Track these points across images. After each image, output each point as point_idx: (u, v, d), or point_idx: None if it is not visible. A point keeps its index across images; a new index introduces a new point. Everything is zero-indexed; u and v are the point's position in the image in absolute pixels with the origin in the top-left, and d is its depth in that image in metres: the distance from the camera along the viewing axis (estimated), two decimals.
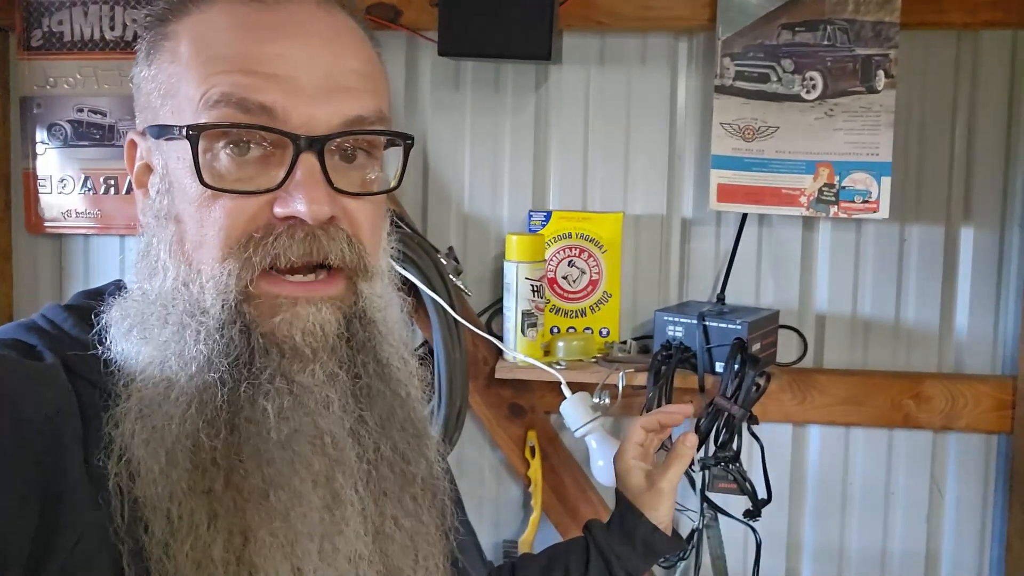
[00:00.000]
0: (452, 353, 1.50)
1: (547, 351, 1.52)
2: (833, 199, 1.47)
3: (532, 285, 1.46)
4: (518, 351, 1.47)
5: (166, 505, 0.58)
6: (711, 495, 1.43)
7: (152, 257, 0.65)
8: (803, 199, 1.48)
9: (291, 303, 0.62)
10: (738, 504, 1.41)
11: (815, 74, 1.47)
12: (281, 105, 0.61)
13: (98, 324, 0.65)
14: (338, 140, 0.63)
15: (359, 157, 0.66)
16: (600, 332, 1.56)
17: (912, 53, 1.50)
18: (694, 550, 1.48)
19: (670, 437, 1.38)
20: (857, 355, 1.57)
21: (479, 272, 1.62)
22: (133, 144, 0.69)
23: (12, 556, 0.54)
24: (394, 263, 1.55)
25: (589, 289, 1.56)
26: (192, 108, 0.62)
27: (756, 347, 1.42)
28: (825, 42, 1.46)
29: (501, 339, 1.50)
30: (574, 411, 1.42)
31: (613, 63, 1.58)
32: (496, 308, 1.58)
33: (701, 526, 1.46)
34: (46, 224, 1.67)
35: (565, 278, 1.57)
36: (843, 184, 1.46)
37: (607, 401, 1.43)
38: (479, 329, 1.52)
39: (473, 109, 1.61)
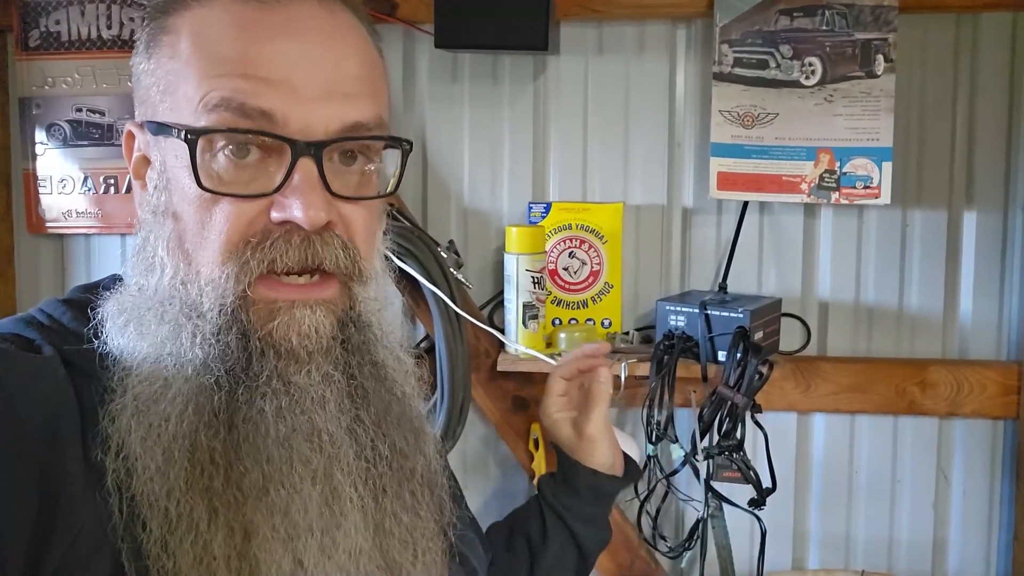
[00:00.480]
0: (454, 346, 1.50)
1: (549, 343, 1.51)
2: (834, 185, 1.46)
3: (533, 277, 1.46)
4: (520, 343, 1.47)
5: (163, 503, 0.58)
6: (715, 485, 1.43)
7: (149, 253, 0.65)
8: (804, 186, 1.47)
9: (288, 306, 0.62)
10: (743, 494, 1.40)
11: (814, 59, 1.46)
12: (280, 109, 0.61)
13: (95, 318, 0.66)
14: (336, 144, 0.64)
15: (358, 159, 0.67)
16: (602, 323, 1.56)
17: (911, 37, 1.49)
18: (699, 540, 1.47)
19: (672, 423, 1.38)
20: (861, 342, 1.56)
21: (480, 265, 1.61)
22: (131, 135, 0.69)
23: (11, 552, 0.54)
24: (394, 258, 1.56)
25: (590, 280, 1.56)
26: (191, 109, 0.62)
27: (758, 335, 1.41)
28: (824, 27, 1.45)
29: (503, 332, 1.50)
30: None
31: (611, 52, 1.57)
32: (497, 301, 1.58)
33: (706, 516, 1.46)
34: (47, 224, 1.67)
35: (566, 269, 1.56)
36: (844, 170, 1.46)
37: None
38: (480, 322, 1.52)
39: (471, 101, 1.60)
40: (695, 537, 1.48)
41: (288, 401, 0.62)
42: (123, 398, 0.61)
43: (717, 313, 1.41)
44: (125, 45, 1.63)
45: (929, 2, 1.46)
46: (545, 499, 1.03)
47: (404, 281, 1.51)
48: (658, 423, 1.44)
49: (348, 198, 0.64)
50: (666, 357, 1.43)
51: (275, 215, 0.62)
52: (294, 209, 0.61)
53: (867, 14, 1.43)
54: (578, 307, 1.56)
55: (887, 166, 1.44)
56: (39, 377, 0.60)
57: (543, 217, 1.55)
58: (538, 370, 1.46)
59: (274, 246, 0.61)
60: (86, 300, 0.68)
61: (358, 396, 0.66)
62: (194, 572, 0.58)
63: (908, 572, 1.57)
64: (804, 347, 1.56)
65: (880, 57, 1.43)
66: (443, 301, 1.48)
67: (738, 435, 1.37)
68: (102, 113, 1.64)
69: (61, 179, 1.66)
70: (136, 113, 0.69)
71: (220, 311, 0.61)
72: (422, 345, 1.60)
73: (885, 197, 1.44)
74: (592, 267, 1.55)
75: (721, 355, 1.40)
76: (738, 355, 1.36)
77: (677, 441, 1.44)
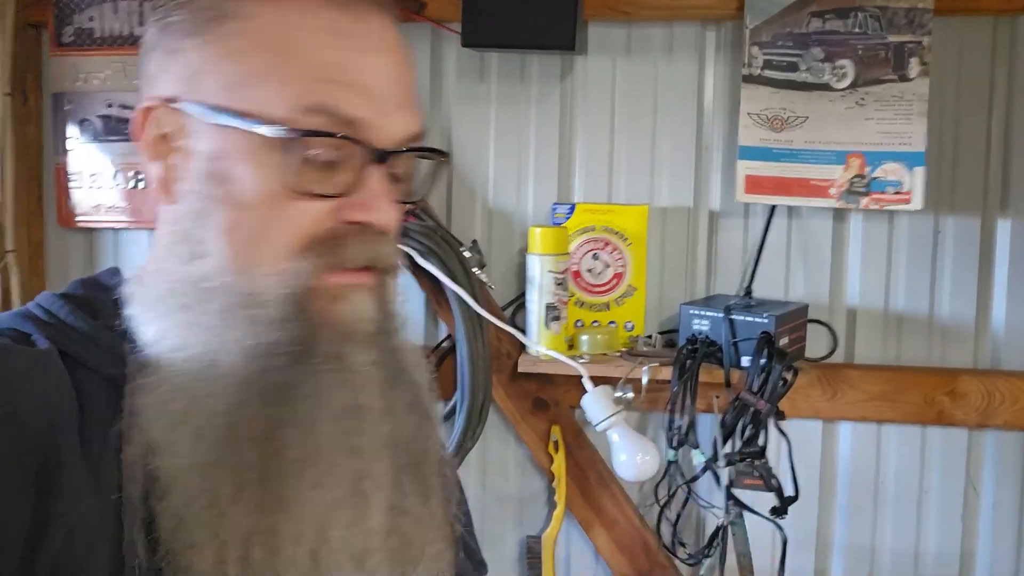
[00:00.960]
0: (475, 346, 1.49)
1: (571, 345, 1.50)
2: (864, 190, 1.44)
3: (555, 278, 1.45)
4: (541, 344, 1.46)
5: (186, 479, 0.59)
6: (736, 491, 1.41)
7: (195, 240, 0.64)
8: (833, 190, 1.45)
9: (348, 292, 0.65)
10: (765, 501, 1.38)
11: (845, 62, 1.43)
12: (367, 118, 0.63)
13: (116, 307, 0.66)
14: (404, 154, 0.67)
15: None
16: (625, 326, 1.55)
17: (946, 40, 1.46)
18: (719, 547, 1.45)
19: (693, 428, 1.37)
20: (890, 350, 1.54)
21: (504, 265, 1.61)
22: (148, 111, 0.66)
23: (7, 544, 0.54)
24: (417, 257, 1.56)
25: (614, 282, 1.54)
26: (282, 107, 0.62)
27: (784, 341, 1.39)
28: (856, 29, 1.43)
29: (524, 332, 1.49)
30: (595, 405, 1.41)
31: (639, 53, 1.56)
32: (520, 302, 1.57)
33: (726, 523, 1.44)
34: (77, 218, 1.69)
35: (589, 271, 1.55)
36: (874, 175, 1.43)
37: (630, 395, 1.42)
38: (502, 322, 1.51)
39: (498, 100, 1.60)
40: (715, 544, 1.47)
41: (342, 380, 0.64)
42: (153, 384, 0.62)
43: (742, 318, 1.40)
44: None
45: (965, 4, 1.43)
46: None
47: (427, 280, 1.51)
48: (680, 428, 1.42)
49: (399, 202, 0.68)
50: (689, 362, 1.41)
51: (348, 215, 0.64)
52: (372, 212, 0.64)
53: (901, 16, 1.41)
54: (601, 309, 1.55)
55: (919, 171, 1.41)
56: (36, 370, 0.60)
57: (567, 218, 1.54)
58: (559, 372, 1.46)
59: (345, 246, 0.64)
60: (84, 294, 0.68)
61: (389, 380, 0.68)
62: (211, 545, 0.58)
63: None
64: (831, 354, 1.54)
65: (914, 60, 1.41)
66: (465, 301, 1.47)
67: (760, 442, 1.36)
68: (132, 109, 1.66)
69: (92, 174, 1.68)
70: (160, 86, 0.66)
71: (286, 299, 0.63)
72: (444, 345, 1.60)
73: (916, 202, 1.41)
74: (616, 269, 1.54)
75: (745, 361, 1.39)
76: (762, 361, 1.34)
77: (698, 447, 1.43)
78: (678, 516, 1.55)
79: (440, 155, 0.72)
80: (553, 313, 1.46)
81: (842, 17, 1.43)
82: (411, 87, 0.68)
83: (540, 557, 1.59)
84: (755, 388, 1.34)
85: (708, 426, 1.48)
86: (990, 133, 1.48)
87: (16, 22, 1.65)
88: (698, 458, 1.43)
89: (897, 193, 1.42)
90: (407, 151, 0.67)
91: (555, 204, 1.56)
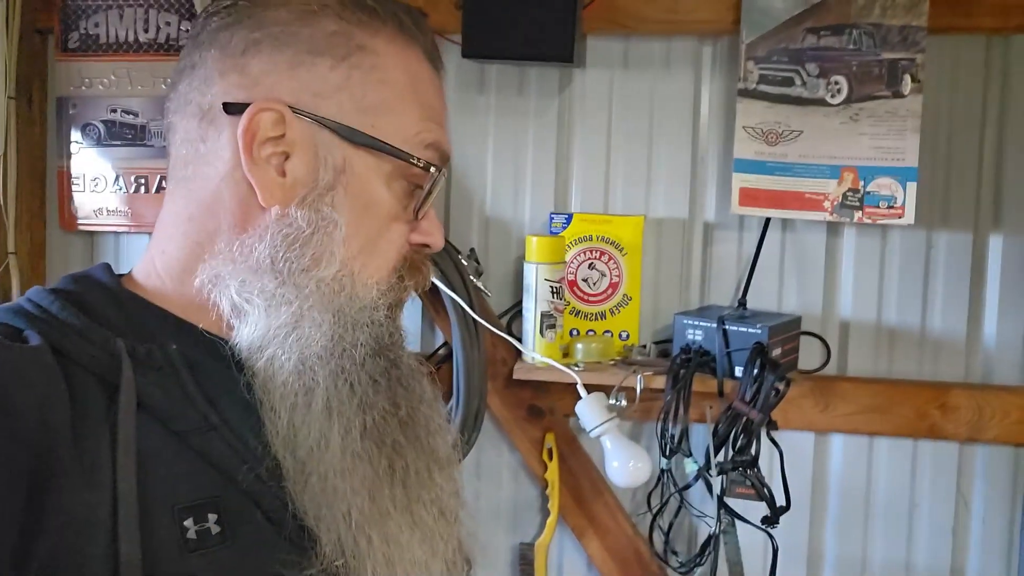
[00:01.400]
0: (471, 353, 1.51)
1: (566, 353, 1.51)
2: (858, 204, 1.45)
3: (551, 286, 1.47)
4: (537, 352, 1.47)
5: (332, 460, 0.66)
6: (729, 500, 1.42)
7: (317, 246, 0.68)
8: (827, 204, 1.46)
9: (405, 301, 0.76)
10: (757, 511, 1.39)
11: (840, 78, 1.45)
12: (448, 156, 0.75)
13: (109, 303, 0.68)
14: None
15: None
16: (620, 335, 1.56)
17: (940, 58, 1.48)
18: (711, 556, 1.46)
19: (686, 437, 1.38)
20: (882, 363, 1.55)
21: (500, 274, 1.62)
22: (261, 111, 0.67)
23: (1, 540, 0.54)
24: None
25: (609, 292, 1.56)
26: (406, 141, 0.71)
27: (776, 352, 1.41)
28: (851, 46, 1.45)
29: (520, 340, 1.51)
30: (589, 411, 1.42)
31: (637, 67, 1.58)
32: (517, 310, 1.59)
33: (718, 532, 1.45)
34: (79, 222, 1.71)
35: (585, 280, 1.56)
36: (868, 189, 1.45)
37: (624, 403, 1.43)
38: (498, 330, 1.52)
39: (497, 111, 1.62)
40: (707, 553, 1.47)
41: (406, 371, 0.73)
42: (271, 371, 0.67)
43: (735, 328, 1.41)
44: (161, 49, 1.67)
45: (959, 23, 1.45)
46: None
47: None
48: (672, 437, 1.43)
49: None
50: (682, 371, 1.42)
51: (416, 238, 0.74)
52: (433, 235, 0.75)
53: (895, 34, 1.43)
54: (596, 318, 1.57)
55: (912, 186, 1.43)
56: (27, 365, 0.59)
57: (564, 228, 1.55)
58: (554, 380, 1.47)
59: (424, 266, 0.75)
60: (76, 290, 0.68)
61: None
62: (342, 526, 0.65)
63: None
64: (823, 366, 1.55)
65: (907, 77, 1.43)
66: (462, 308, 1.49)
67: (752, 451, 1.36)
68: (135, 114, 1.68)
69: (94, 178, 1.70)
70: (286, 96, 0.68)
71: (384, 307, 0.71)
72: (440, 351, 1.61)
73: (909, 217, 1.43)
74: (611, 279, 1.55)
75: (738, 371, 1.40)
76: (755, 371, 1.36)
77: (691, 455, 1.44)
78: (670, 524, 1.56)
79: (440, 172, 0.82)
80: (549, 321, 1.47)
81: (837, 34, 1.45)
82: None
83: (533, 564, 1.60)
84: (748, 398, 1.35)
85: (701, 435, 1.49)
86: (982, 150, 1.50)
87: (22, 27, 1.67)
88: (691, 467, 1.44)
89: (890, 208, 1.44)
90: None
91: (552, 214, 1.57)
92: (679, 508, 1.54)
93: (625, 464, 1.40)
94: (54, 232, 1.74)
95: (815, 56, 1.46)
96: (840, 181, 1.46)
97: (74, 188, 1.70)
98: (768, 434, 1.38)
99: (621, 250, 1.55)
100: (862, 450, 1.56)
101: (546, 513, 1.59)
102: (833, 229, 1.55)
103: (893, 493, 1.55)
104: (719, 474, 1.39)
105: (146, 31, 1.68)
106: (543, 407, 1.58)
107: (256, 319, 0.67)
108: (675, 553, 1.57)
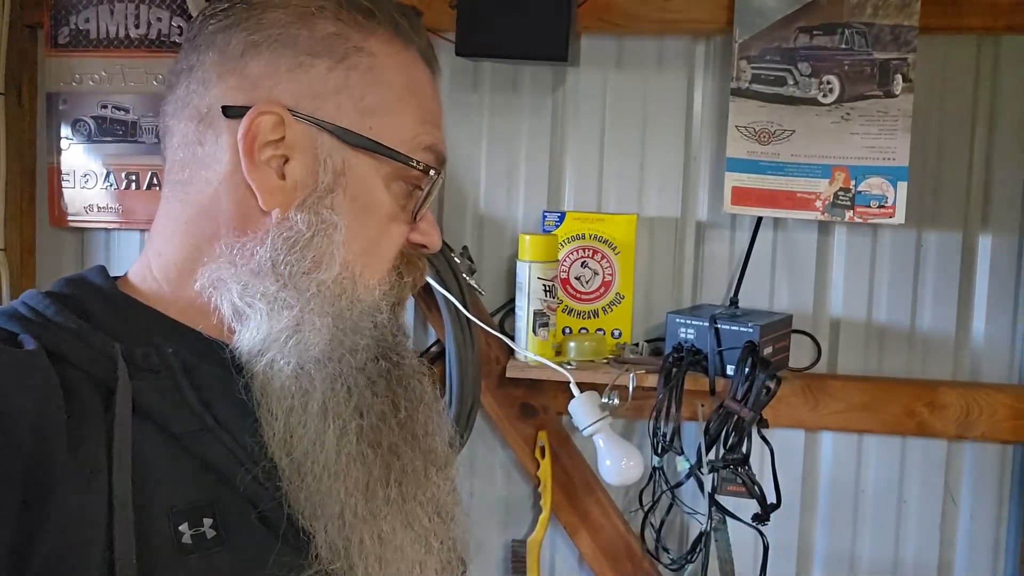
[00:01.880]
0: (464, 351, 1.51)
1: (559, 351, 1.52)
2: (849, 203, 1.46)
3: (544, 285, 1.47)
4: (529, 350, 1.47)
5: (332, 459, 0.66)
6: (720, 498, 1.43)
7: (318, 248, 0.68)
8: (818, 203, 1.47)
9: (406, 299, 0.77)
10: (748, 508, 1.40)
11: (832, 78, 1.46)
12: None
13: (105, 306, 0.67)
14: None
15: None
16: (612, 333, 1.56)
17: (931, 57, 1.49)
18: (702, 553, 1.47)
19: (678, 435, 1.39)
20: (871, 361, 1.56)
21: (493, 272, 1.62)
22: (261, 114, 0.67)
23: None
24: None
25: (602, 290, 1.56)
26: (405, 143, 0.71)
27: (768, 351, 1.41)
28: (843, 46, 1.45)
29: (513, 338, 1.51)
30: (582, 410, 1.42)
31: (630, 66, 1.58)
32: (509, 308, 1.59)
33: (709, 529, 1.46)
34: (69, 218, 1.70)
35: (578, 279, 1.57)
36: (859, 188, 1.46)
37: (616, 402, 1.43)
38: (491, 328, 1.53)
39: (490, 110, 1.62)
40: (698, 550, 1.48)
41: (407, 371, 0.74)
42: (270, 373, 0.67)
43: (727, 327, 1.42)
44: (152, 44, 1.66)
45: (950, 23, 1.46)
46: None
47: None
48: (664, 435, 1.44)
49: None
50: (674, 369, 1.43)
51: (414, 238, 0.74)
52: (431, 236, 0.75)
53: (887, 34, 1.43)
54: (589, 317, 1.57)
55: (902, 186, 1.44)
56: (23, 369, 0.59)
57: (557, 226, 1.56)
58: (547, 378, 1.47)
59: (420, 260, 0.76)
60: (71, 293, 0.68)
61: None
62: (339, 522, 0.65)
63: None
64: (814, 364, 1.56)
65: (899, 77, 1.43)
66: (455, 306, 1.49)
67: (744, 449, 1.37)
68: (126, 110, 1.67)
69: (84, 174, 1.69)
70: (286, 97, 0.68)
71: (387, 307, 0.72)
72: (432, 349, 1.61)
73: (900, 217, 1.44)
74: (604, 277, 1.56)
75: (730, 369, 1.41)
76: (746, 369, 1.36)
77: (683, 453, 1.45)
78: (662, 522, 1.56)
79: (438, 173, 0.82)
80: (541, 320, 1.47)
81: (829, 33, 1.46)
82: None
83: (525, 561, 1.61)
84: (739, 396, 1.36)
85: (693, 433, 1.50)
86: (972, 149, 1.51)
87: (12, 22, 1.66)
88: (682, 464, 1.45)
89: (881, 207, 1.45)
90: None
91: (545, 212, 1.57)
92: (671, 506, 1.55)
93: (617, 462, 1.40)
94: (44, 228, 1.73)
95: (807, 55, 1.47)
96: (831, 180, 1.47)
97: (64, 184, 1.69)
98: (759, 432, 1.39)
99: (614, 248, 1.55)
100: (851, 448, 1.57)
101: (538, 510, 1.60)
102: (824, 228, 1.56)
103: (882, 490, 1.57)
104: (710, 472, 1.40)
105: (137, 27, 1.67)
106: (536, 405, 1.58)
107: (258, 323, 0.67)
108: (666, 550, 1.58)
